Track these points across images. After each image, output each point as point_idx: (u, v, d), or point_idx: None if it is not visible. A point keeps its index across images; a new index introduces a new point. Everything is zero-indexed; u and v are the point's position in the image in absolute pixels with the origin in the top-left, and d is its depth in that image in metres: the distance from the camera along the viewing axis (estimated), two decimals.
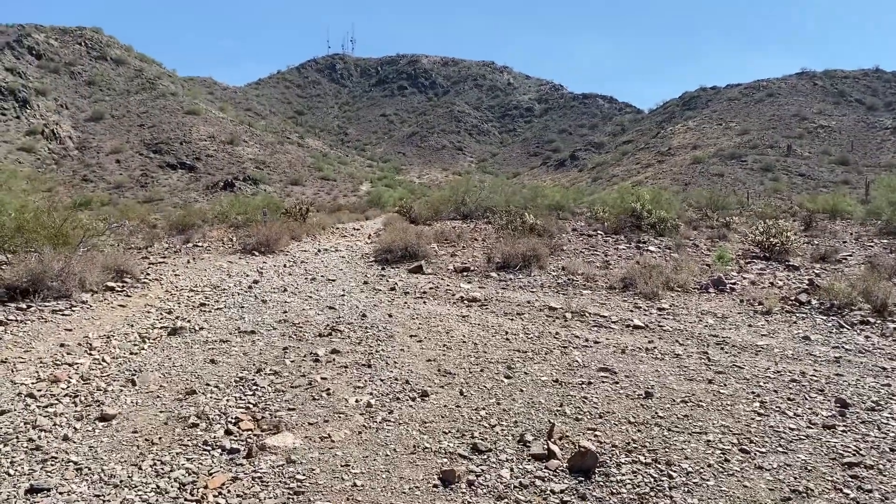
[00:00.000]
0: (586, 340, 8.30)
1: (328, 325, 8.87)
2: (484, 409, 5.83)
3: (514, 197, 30.51)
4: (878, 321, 9.37)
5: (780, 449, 5.08)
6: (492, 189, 32.41)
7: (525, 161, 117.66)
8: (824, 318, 9.66)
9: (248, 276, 13.16)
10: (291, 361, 7.18)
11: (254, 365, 7.04)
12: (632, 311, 10.20)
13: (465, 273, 13.50)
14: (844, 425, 5.55)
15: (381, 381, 6.55)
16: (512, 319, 9.49)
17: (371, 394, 6.17)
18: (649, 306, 10.49)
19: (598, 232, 19.89)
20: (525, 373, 6.89)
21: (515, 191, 35.32)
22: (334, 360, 7.28)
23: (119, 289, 11.12)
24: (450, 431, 5.35)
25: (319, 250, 17.78)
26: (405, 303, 10.60)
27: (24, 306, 9.24)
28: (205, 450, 4.93)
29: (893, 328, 9.05)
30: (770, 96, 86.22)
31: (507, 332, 8.65)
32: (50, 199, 17.16)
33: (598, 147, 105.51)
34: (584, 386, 6.48)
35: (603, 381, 6.63)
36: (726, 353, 7.87)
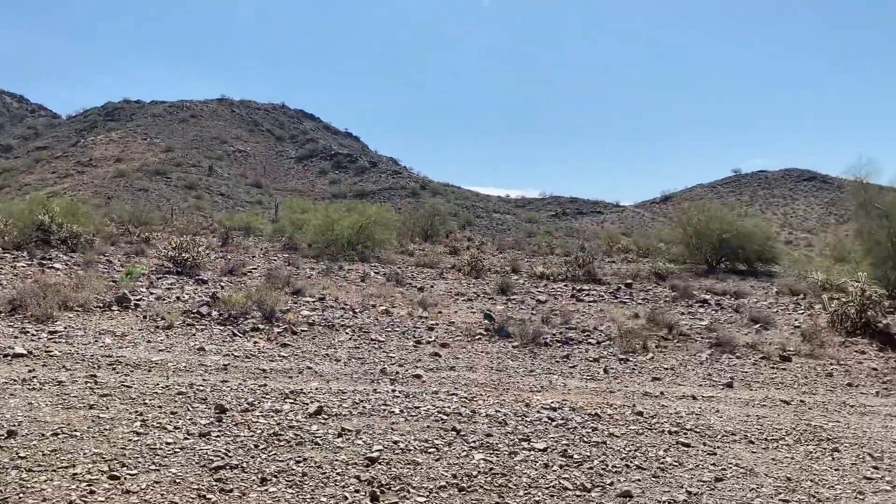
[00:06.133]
0: None
1: None
2: None
3: None
4: (267, 327, 10.42)
5: (152, 467, 4.97)
6: None
7: None
8: (221, 328, 10.22)
9: None
10: None
11: None
12: (16, 336, 8.85)
13: None
14: (219, 430, 5.80)
15: None
16: None
17: None
18: (39, 330, 9.29)
19: None
20: None
21: None
22: None
23: None
24: None
25: None
26: None
27: None
28: None
29: (277, 332, 10.19)
30: (193, 117, 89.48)
31: None
32: None
33: (5, 150, 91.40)
34: None
35: None
36: (117, 373, 7.48)
